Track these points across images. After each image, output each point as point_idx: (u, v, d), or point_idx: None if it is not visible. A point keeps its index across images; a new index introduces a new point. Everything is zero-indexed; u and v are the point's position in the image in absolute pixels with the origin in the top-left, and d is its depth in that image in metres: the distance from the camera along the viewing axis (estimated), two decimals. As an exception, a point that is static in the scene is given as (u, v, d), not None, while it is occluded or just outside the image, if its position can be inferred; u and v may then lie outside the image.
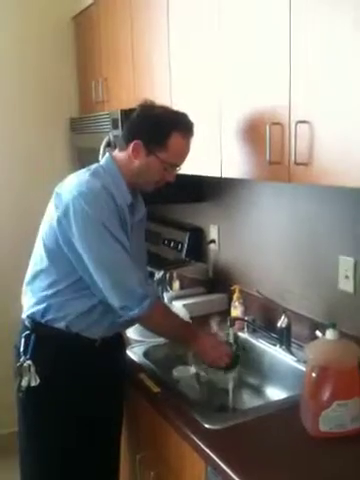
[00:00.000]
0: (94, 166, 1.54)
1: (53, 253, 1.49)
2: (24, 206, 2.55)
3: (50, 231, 1.48)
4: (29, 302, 1.55)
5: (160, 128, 1.47)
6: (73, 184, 1.46)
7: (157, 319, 1.50)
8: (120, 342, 1.67)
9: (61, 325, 1.48)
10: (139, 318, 1.47)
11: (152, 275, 2.16)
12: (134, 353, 1.77)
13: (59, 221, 1.44)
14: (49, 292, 1.49)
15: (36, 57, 2.74)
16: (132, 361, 1.73)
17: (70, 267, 1.46)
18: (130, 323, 1.59)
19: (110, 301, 1.44)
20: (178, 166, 1.54)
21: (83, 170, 1.53)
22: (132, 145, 1.48)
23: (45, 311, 1.49)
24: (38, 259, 1.54)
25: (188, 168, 1.78)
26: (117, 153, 1.56)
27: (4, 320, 1.70)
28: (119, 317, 1.48)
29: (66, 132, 2.79)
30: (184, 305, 2.08)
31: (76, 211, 1.40)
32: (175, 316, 1.61)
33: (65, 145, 2.79)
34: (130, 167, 1.51)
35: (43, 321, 1.50)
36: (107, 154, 1.57)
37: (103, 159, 1.57)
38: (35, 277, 1.54)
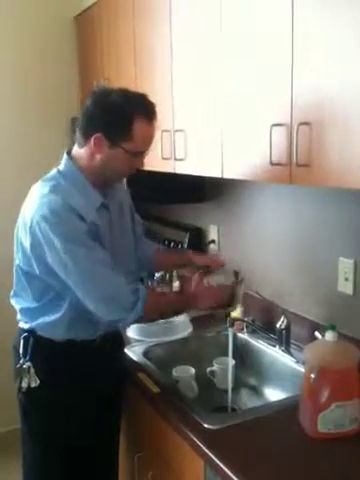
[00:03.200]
0: (53, 173, 1.45)
1: (29, 277, 1.46)
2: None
3: (24, 259, 1.44)
4: (18, 314, 1.54)
5: (121, 117, 1.35)
6: (34, 206, 1.37)
7: (152, 313, 1.46)
8: (119, 342, 1.68)
9: (54, 337, 1.47)
10: (133, 321, 1.44)
11: (152, 275, 2.17)
12: (134, 352, 1.77)
13: (32, 249, 1.39)
14: (31, 307, 1.49)
15: (38, 57, 2.74)
16: (131, 360, 1.74)
17: (45, 287, 1.44)
18: None
19: (102, 317, 1.40)
20: (145, 153, 1.44)
21: (41, 182, 1.44)
22: (93, 139, 1.37)
23: (35, 328, 1.49)
24: (16, 278, 1.52)
25: (189, 168, 1.79)
26: (76, 150, 1.45)
27: (3, 318, 1.70)
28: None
29: (67, 132, 2.79)
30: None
31: (45, 238, 1.34)
32: (166, 297, 1.58)
33: (66, 145, 2.74)
34: (92, 163, 1.41)
35: (36, 334, 1.49)
36: (65, 155, 1.47)
37: (62, 162, 1.47)
38: (17, 294, 1.54)
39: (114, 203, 1.53)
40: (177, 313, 1.65)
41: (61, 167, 1.46)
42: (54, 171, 1.47)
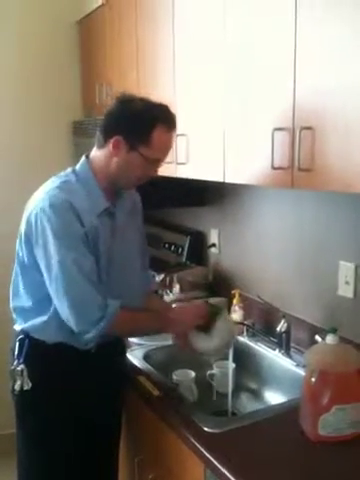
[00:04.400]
0: (67, 171, 1.48)
1: (23, 268, 1.47)
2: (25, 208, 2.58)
3: (20, 249, 1.46)
4: (14, 314, 1.54)
5: (142, 122, 1.38)
6: (39, 197, 1.41)
7: (119, 329, 1.45)
8: (120, 346, 1.66)
9: (51, 342, 1.46)
10: (94, 339, 1.40)
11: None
12: (134, 356, 1.77)
13: (26, 237, 1.42)
14: (25, 307, 1.48)
15: (40, 60, 2.75)
16: (132, 364, 1.73)
17: (36, 284, 1.44)
18: None
19: (68, 323, 1.39)
20: (161, 161, 1.46)
21: (54, 177, 1.46)
22: (112, 141, 1.39)
23: (31, 330, 1.48)
24: (14, 275, 1.53)
25: (191, 172, 1.79)
26: (95, 152, 1.47)
27: (2, 318, 1.70)
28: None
29: (69, 135, 2.80)
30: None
31: (38, 229, 1.36)
32: (138, 317, 1.50)
33: (68, 148, 2.79)
34: (109, 166, 1.43)
35: (30, 335, 1.49)
36: (83, 157, 1.49)
37: (79, 162, 1.50)
38: (14, 293, 1.54)
39: (122, 212, 1.52)
40: (149, 334, 1.65)
41: (77, 167, 1.49)
42: (69, 169, 1.49)
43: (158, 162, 1.45)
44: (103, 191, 1.45)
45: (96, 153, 1.47)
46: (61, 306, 1.38)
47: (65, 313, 1.38)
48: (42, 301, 1.44)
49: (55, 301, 1.40)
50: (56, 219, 1.35)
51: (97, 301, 1.37)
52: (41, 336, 1.47)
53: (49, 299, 1.42)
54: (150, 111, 1.39)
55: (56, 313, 1.42)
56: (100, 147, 1.45)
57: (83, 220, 1.37)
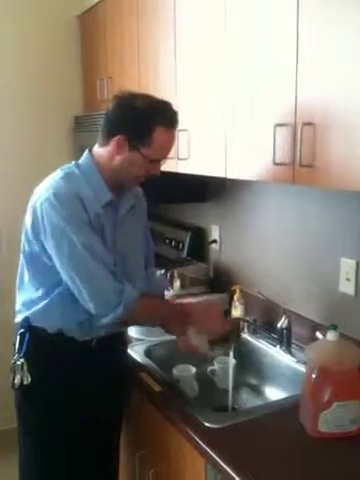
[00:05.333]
0: (71, 164, 1.49)
1: (30, 258, 1.48)
2: (26, 204, 2.58)
3: (26, 240, 1.47)
4: (19, 306, 1.54)
5: (142, 123, 1.38)
6: (44, 187, 1.42)
7: (137, 318, 1.47)
8: (121, 341, 1.66)
9: (52, 330, 1.47)
10: (114, 322, 1.41)
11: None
12: (135, 351, 1.77)
13: (32, 228, 1.43)
14: (33, 297, 1.49)
15: (41, 55, 2.74)
16: (133, 359, 1.74)
17: (46, 272, 1.44)
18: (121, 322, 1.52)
19: (86, 308, 1.40)
20: (162, 160, 1.47)
21: (59, 170, 1.48)
22: (114, 141, 1.40)
23: (33, 317, 1.49)
24: (20, 269, 1.54)
25: (192, 168, 1.79)
26: (97, 149, 1.48)
27: (4, 316, 1.70)
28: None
29: (70, 130, 2.80)
30: (185, 304, 2.09)
31: (45, 219, 1.37)
32: (159, 308, 1.53)
33: (69, 143, 2.79)
34: (111, 163, 1.44)
35: (34, 325, 1.49)
36: (86, 151, 1.51)
37: (82, 156, 1.51)
38: (21, 282, 1.54)
39: (124, 206, 1.53)
40: (162, 324, 1.60)
41: (80, 161, 1.50)
42: (72, 163, 1.50)
43: (159, 161, 1.46)
44: (106, 184, 1.46)
45: (99, 150, 1.48)
46: (79, 293, 1.39)
47: (83, 299, 1.39)
48: (49, 287, 1.45)
49: (71, 287, 1.39)
50: (62, 207, 1.36)
51: (113, 286, 1.38)
52: (42, 323, 1.47)
53: (55, 285, 1.43)
54: (150, 111, 1.39)
55: (60, 298, 1.43)
56: (102, 145, 1.46)
57: (87, 209, 1.39)
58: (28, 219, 1.45)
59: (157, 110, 1.40)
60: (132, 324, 1.58)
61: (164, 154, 1.45)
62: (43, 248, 1.42)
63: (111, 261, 1.42)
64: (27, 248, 1.48)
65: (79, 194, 1.39)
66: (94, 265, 1.38)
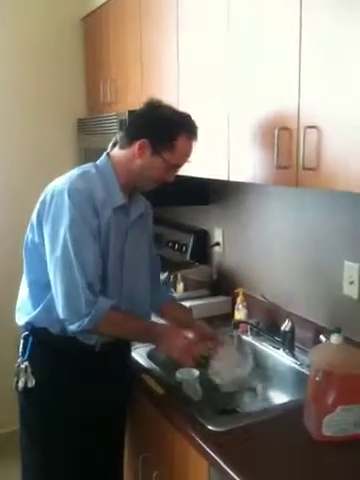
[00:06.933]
0: (88, 165, 1.52)
1: (30, 249, 1.50)
2: (30, 206, 2.59)
3: (31, 232, 1.49)
4: (24, 307, 1.55)
5: (169, 129, 1.44)
6: (60, 182, 1.45)
7: (102, 332, 1.46)
8: (124, 344, 1.66)
9: (54, 330, 1.47)
10: (78, 332, 1.42)
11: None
12: (138, 354, 1.77)
13: (37, 217, 1.46)
14: (37, 299, 1.49)
15: (44, 58, 2.74)
16: (136, 362, 1.74)
17: (42, 264, 1.45)
18: None
19: (57, 309, 1.41)
20: (180, 167, 1.52)
21: (77, 168, 1.51)
22: (138, 144, 1.44)
23: (35, 318, 1.49)
24: (25, 266, 1.55)
25: (195, 170, 1.79)
26: (117, 151, 1.52)
27: (6, 319, 1.71)
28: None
29: (73, 133, 2.80)
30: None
31: (51, 204, 1.41)
32: (128, 322, 1.49)
33: (72, 146, 2.80)
34: (130, 166, 1.47)
35: (37, 327, 1.50)
36: (105, 153, 1.53)
37: (101, 158, 1.53)
38: (25, 283, 1.56)
39: (136, 212, 1.55)
40: (132, 341, 1.66)
41: (98, 162, 1.52)
42: (90, 164, 1.53)
43: (177, 167, 1.51)
44: (121, 188, 1.48)
45: (118, 152, 1.51)
46: (55, 289, 1.42)
47: (57, 297, 1.41)
48: (46, 286, 1.45)
49: (51, 280, 1.42)
50: (73, 206, 1.38)
51: (86, 296, 1.38)
52: (46, 323, 1.48)
53: (50, 284, 1.44)
54: (175, 118, 1.46)
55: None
56: (123, 147, 1.49)
57: (99, 212, 1.41)
58: (35, 211, 1.47)
59: (183, 119, 1.47)
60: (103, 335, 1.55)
61: (183, 160, 1.50)
62: (42, 237, 1.44)
63: (97, 273, 1.42)
64: (29, 237, 1.50)
65: (93, 194, 1.41)
66: (75, 273, 1.38)
